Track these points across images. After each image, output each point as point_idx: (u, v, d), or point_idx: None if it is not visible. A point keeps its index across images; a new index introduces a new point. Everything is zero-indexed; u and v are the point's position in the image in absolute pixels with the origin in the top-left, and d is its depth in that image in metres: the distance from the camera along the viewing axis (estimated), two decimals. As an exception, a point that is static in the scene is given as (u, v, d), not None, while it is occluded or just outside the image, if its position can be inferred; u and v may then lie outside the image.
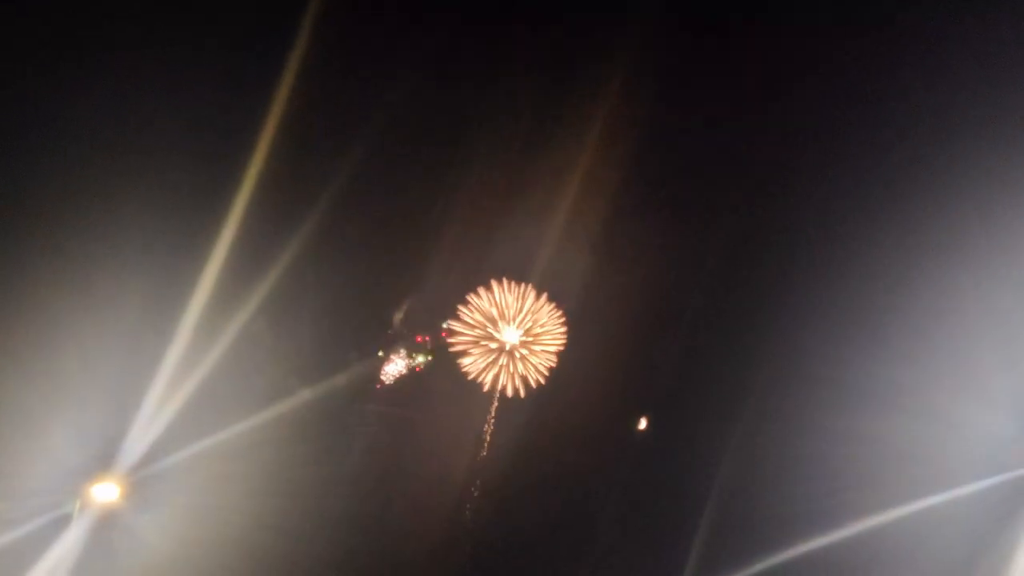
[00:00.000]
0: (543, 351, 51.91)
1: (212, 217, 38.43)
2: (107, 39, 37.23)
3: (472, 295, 51.44)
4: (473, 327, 51.46)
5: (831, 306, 46.28)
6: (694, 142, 46.52)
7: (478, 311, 51.91)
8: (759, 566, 44.63)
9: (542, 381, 50.98)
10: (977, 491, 44.90)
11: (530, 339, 52.22)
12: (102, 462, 38.07)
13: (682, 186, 47.32)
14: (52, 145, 37.17)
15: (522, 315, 52.00)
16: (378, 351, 48.62)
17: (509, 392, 51.29)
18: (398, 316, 49.86)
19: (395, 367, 50.49)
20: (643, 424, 49.61)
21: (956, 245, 44.04)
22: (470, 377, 50.91)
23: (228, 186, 38.74)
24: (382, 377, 49.78)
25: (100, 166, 37.80)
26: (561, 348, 52.03)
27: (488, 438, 50.45)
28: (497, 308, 52.03)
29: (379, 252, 45.00)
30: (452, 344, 51.12)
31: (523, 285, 51.79)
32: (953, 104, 44.17)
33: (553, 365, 51.55)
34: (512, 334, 51.83)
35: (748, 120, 46.21)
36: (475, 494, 48.15)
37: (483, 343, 51.65)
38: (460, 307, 51.87)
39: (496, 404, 51.27)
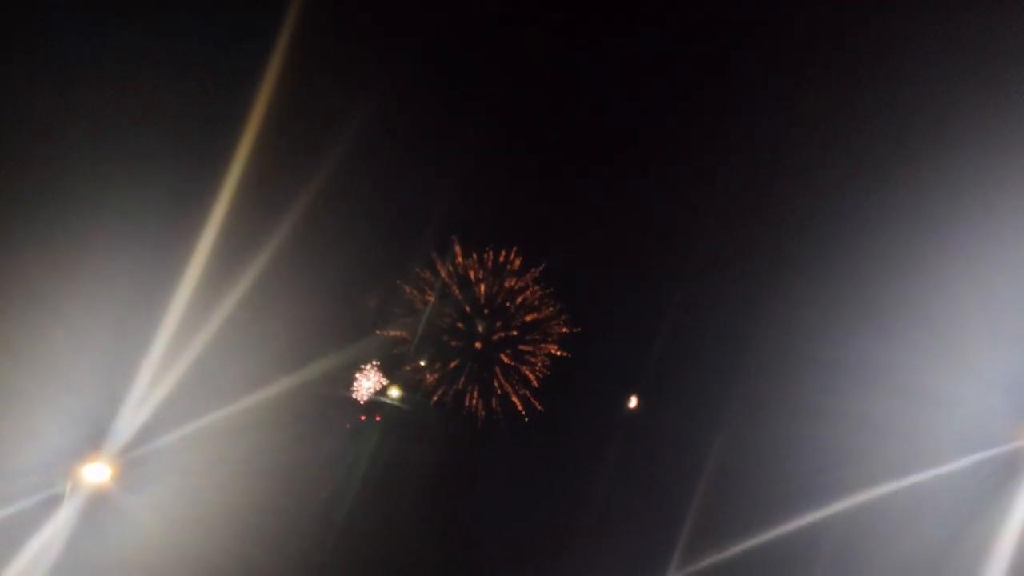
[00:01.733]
0: (533, 354, 44.63)
1: (202, 199, 39.19)
2: (91, 30, 38.27)
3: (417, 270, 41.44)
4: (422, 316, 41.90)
5: (820, 286, 46.49)
6: (687, 118, 46.58)
7: (428, 290, 43.04)
8: (751, 543, 44.72)
9: (525, 410, 42.47)
10: (965, 466, 45.05)
11: (515, 335, 44.40)
12: (93, 443, 38.42)
13: (674, 161, 47.24)
14: (36, 128, 37.83)
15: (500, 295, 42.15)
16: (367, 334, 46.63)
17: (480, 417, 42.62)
18: (371, 303, 45.60)
19: (368, 383, 45.23)
20: (633, 403, 49.21)
21: (944, 223, 44.18)
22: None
23: (218, 170, 39.52)
24: (354, 394, 44.76)
25: (88, 148, 38.51)
26: (558, 350, 44.94)
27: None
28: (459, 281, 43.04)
29: (371, 237, 45.07)
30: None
31: (503, 252, 42.86)
32: (944, 86, 44.31)
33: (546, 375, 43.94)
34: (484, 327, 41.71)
35: (744, 102, 46.27)
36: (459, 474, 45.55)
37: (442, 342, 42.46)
38: (404, 284, 41.29)
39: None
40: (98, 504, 38.40)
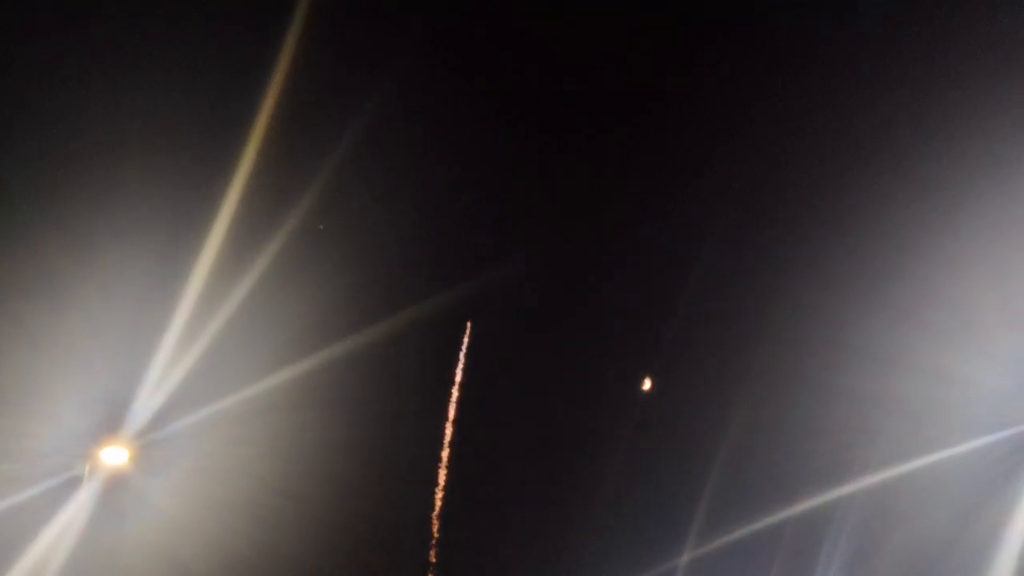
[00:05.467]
0: None
1: (219, 180, 38.94)
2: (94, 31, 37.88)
3: None
4: None
5: (833, 266, 46.34)
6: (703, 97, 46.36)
7: None
8: (764, 523, 44.93)
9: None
10: (979, 447, 45.06)
11: None
12: (111, 426, 38.50)
13: (687, 141, 46.97)
14: (49, 118, 38.01)
15: None
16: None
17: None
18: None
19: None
20: (647, 385, 49.23)
21: (957, 202, 43.92)
22: None
23: (233, 150, 39.19)
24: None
25: (103, 131, 38.11)
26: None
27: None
28: None
29: (386, 222, 44.77)
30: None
31: None
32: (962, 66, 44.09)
33: None
34: None
35: (763, 78, 46.03)
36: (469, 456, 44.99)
37: None
38: None
39: None
40: (116, 486, 38.56)
